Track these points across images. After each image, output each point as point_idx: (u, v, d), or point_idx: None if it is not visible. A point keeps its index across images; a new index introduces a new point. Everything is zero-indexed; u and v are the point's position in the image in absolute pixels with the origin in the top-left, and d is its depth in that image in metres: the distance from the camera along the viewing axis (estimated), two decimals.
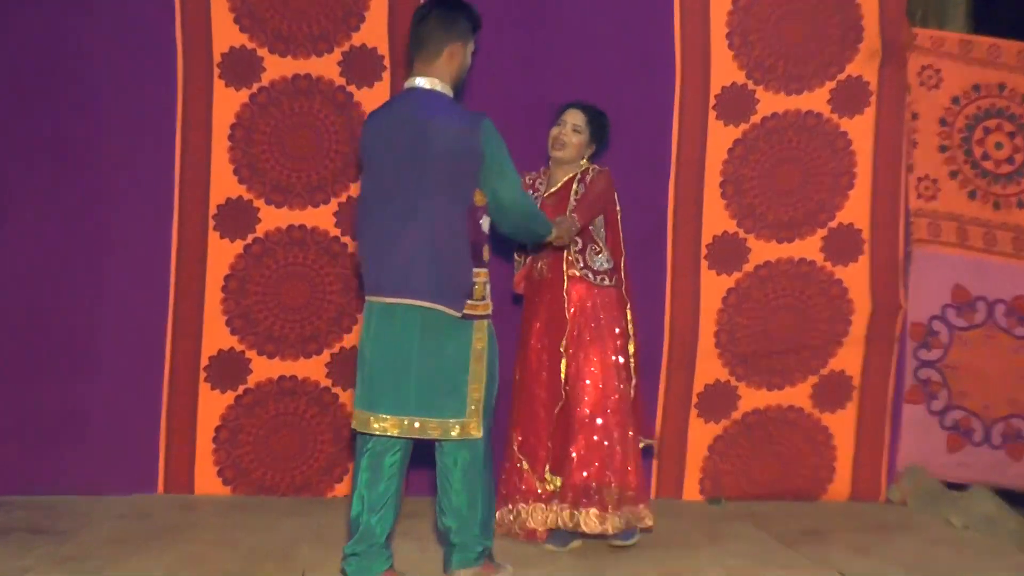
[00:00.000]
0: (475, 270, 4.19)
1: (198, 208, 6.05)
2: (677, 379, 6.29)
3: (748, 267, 6.24)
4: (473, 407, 4.18)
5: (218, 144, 6.08)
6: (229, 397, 6.07)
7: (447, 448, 4.33)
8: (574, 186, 5.31)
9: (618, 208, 5.40)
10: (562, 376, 5.13)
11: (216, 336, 6.07)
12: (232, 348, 6.06)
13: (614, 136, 5.73)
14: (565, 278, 5.23)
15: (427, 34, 4.21)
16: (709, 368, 6.32)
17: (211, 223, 6.09)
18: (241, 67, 6.06)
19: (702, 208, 6.25)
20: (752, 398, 6.30)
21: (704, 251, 6.26)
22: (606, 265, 5.29)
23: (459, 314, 4.11)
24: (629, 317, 5.33)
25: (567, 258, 5.23)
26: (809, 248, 6.25)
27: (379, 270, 4.18)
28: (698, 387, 6.32)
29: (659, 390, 6.29)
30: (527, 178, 5.41)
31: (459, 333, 4.15)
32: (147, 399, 6.02)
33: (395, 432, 4.19)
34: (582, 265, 5.24)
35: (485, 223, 4.27)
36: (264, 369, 6.09)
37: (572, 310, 5.18)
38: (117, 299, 5.95)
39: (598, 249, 5.28)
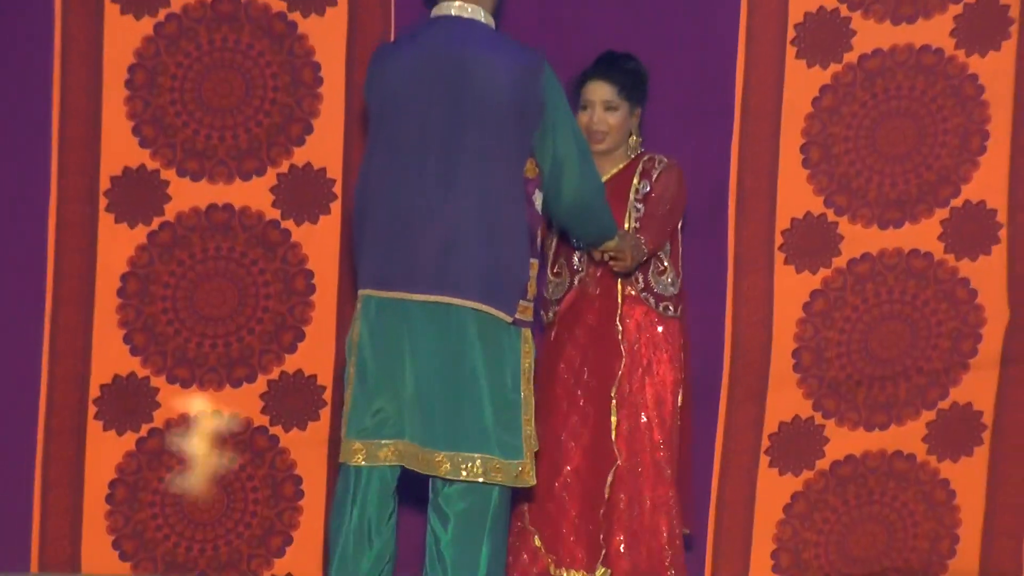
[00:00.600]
0: (533, 260, 3.88)
1: (84, 181, 5.24)
2: (742, 414, 5.50)
3: (840, 262, 5.45)
4: (527, 445, 3.84)
5: (111, 93, 5.24)
6: (128, 441, 5.28)
7: (448, 494, 3.85)
8: (635, 182, 4.77)
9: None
10: (612, 434, 4.65)
11: (110, 357, 5.28)
12: (132, 373, 5.27)
13: (655, 82, 5.13)
14: (620, 299, 4.74)
15: None
16: (786, 400, 5.48)
17: (102, 202, 5.26)
18: None
19: (777, 180, 5.43)
20: (845, 441, 5.50)
21: (779, 239, 5.44)
22: (672, 290, 4.82)
23: (511, 318, 3.79)
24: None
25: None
26: (925, 236, 5.43)
27: (398, 255, 3.77)
28: (770, 426, 5.50)
29: (717, 429, 5.55)
30: None
31: (509, 345, 3.82)
32: (14, 444, 5.29)
33: (396, 461, 3.87)
34: (642, 286, 4.75)
35: (538, 200, 3.91)
36: (176, 402, 5.30)
37: (629, 344, 4.72)
38: None
39: (662, 267, 4.78)
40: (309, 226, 5.21)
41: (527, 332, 3.96)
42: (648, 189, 4.82)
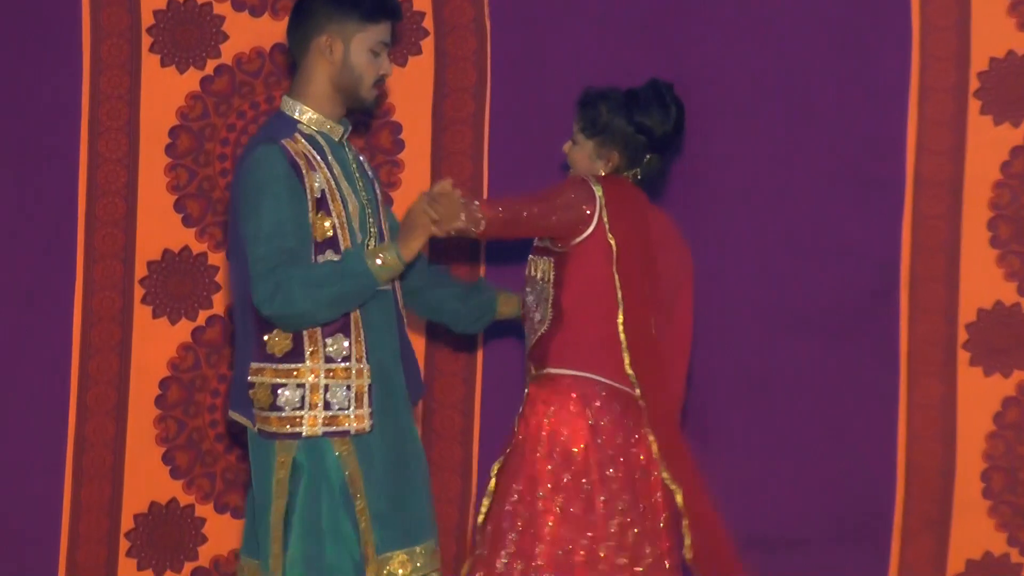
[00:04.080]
0: (255, 364, 3.73)
1: (116, 268, 5.07)
2: (918, 549, 5.19)
3: None
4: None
5: (149, 161, 5.05)
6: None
7: None
8: None
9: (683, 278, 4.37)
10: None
11: (148, 479, 5.06)
12: (174, 500, 5.06)
13: (801, 143, 4.95)
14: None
15: (293, 24, 3.87)
16: (973, 532, 5.16)
17: (137, 292, 5.07)
18: (187, 32, 5.08)
19: (958, 263, 5.11)
20: None
21: (963, 335, 5.10)
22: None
23: (254, 427, 3.76)
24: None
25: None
26: None
27: None
28: (955, 564, 5.18)
29: (889, 567, 5.20)
30: None
31: (260, 455, 3.79)
32: None
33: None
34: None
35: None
36: (224, 535, 5.04)
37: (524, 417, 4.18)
38: None
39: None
40: None
41: (286, 445, 3.81)
42: None
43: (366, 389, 3.78)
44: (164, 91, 5.03)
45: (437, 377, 5.08)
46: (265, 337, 3.75)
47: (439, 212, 3.80)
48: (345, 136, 3.83)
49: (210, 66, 5.01)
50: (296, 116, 3.77)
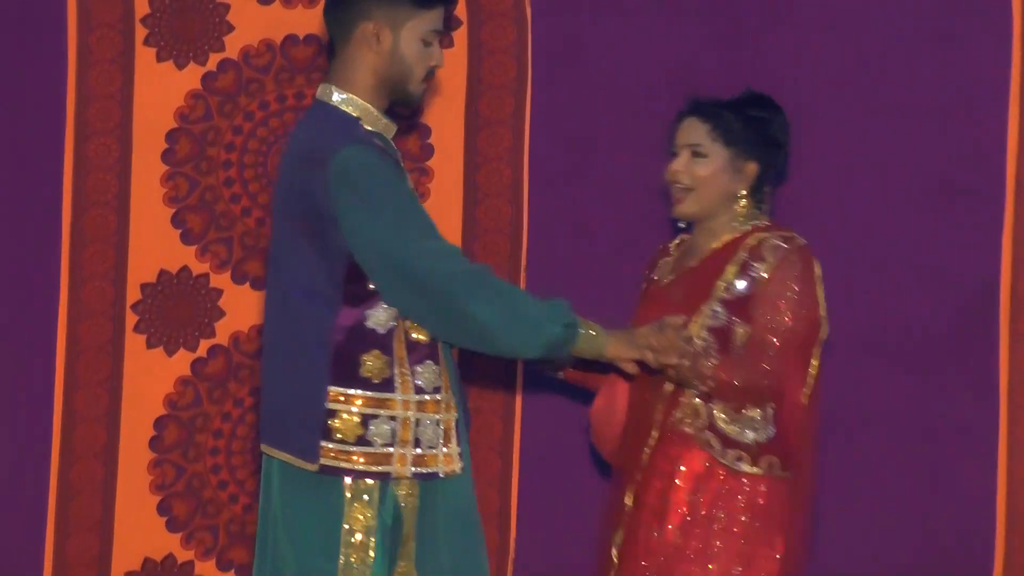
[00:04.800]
0: (339, 389, 3.56)
1: (105, 291, 4.93)
2: None
3: None
4: None
5: (144, 168, 4.91)
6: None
7: None
8: (727, 271, 4.03)
9: (823, 329, 4.06)
10: None
11: (139, 533, 4.90)
12: (170, 556, 4.93)
13: (887, 151, 4.85)
14: (656, 430, 4.01)
15: (335, 2, 3.73)
16: None
17: (130, 319, 4.93)
18: (187, 22, 4.96)
19: None
20: None
21: None
22: (753, 435, 3.99)
23: (314, 466, 3.56)
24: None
25: (667, 395, 4.00)
26: None
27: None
28: None
29: None
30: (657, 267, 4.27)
31: (320, 499, 3.61)
32: None
33: None
34: (703, 421, 4.00)
35: (382, 314, 3.62)
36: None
37: (673, 506, 3.98)
38: None
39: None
40: None
41: (366, 486, 3.67)
42: (746, 291, 4.04)
43: (454, 424, 3.69)
44: (161, 89, 4.90)
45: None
46: (363, 357, 3.60)
47: (659, 341, 3.76)
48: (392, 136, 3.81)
49: (213, 61, 4.90)
50: (351, 111, 3.70)
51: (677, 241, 4.26)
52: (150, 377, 4.93)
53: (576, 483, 5.03)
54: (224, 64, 4.90)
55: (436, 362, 3.72)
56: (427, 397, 3.69)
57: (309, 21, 4.98)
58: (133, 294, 4.91)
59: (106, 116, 4.88)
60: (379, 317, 3.69)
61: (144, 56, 4.88)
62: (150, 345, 4.91)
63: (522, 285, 4.95)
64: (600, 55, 4.87)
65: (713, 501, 4.11)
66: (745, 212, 4.11)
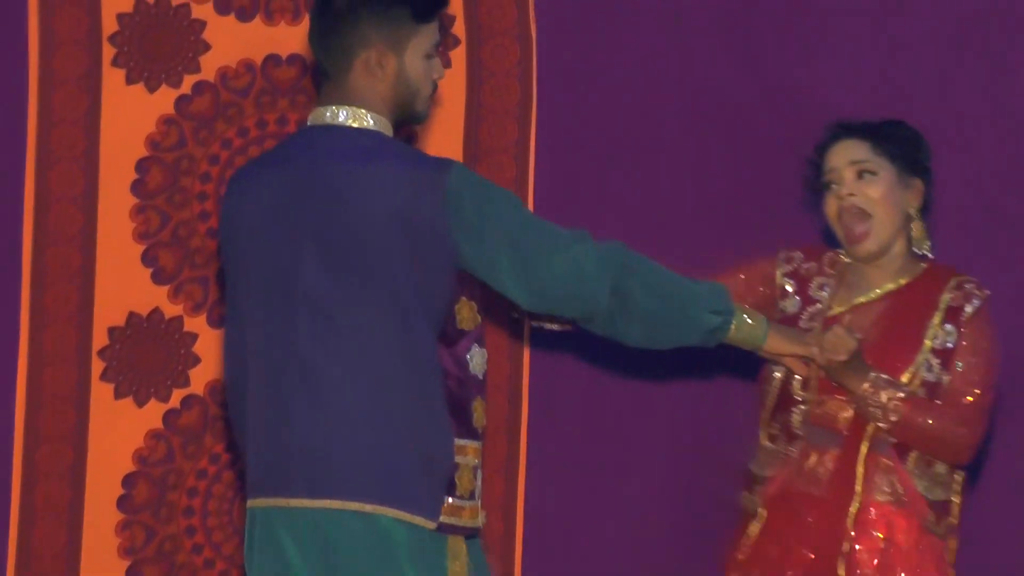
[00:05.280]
0: (458, 441, 3.52)
1: (69, 334, 4.72)
2: None
3: None
4: None
5: (112, 200, 4.69)
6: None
7: None
8: (934, 319, 3.97)
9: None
10: None
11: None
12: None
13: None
14: (859, 493, 3.94)
15: (327, 31, 3.60)
16: None
17: (96, 365, 4.69)
18: (159, 41, 4.76)
19: None
20: None
21: None
22: (944, 493, 4.02)
23: (433, 524, 3.43)
24: None
25: (865, 455, 3.93)
26: None
27: (270, 448, 3.56)
28: None
29: None
30: (782, 271, 4.14)
31: (419, 561, 3.51)
32: None
33: None
34: (895, 487, 3.98)
35: (478, 357, 3.59)
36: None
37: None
38: None
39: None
40: None
41: (458, 544, 3.58)
42: (952, 341, 4.01)
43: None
44: (131, 114, 4.71)
45: None
46: (473, 405, 3.56)
47: (823, 342, 3.78)
48: None
49: (187, 83, 4.72)
50: (383, 131, 3.63)
51: (830, 256, 4.14)
52: (118, 430, 4.72)
53: (584, 506, 4.93)
54: (199, 86, 4.72)
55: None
56: (479, 443, 3.67)
57: (292, 39, 4.78)
58: (100, 339, 4.70)
59: (71, 143, 4.69)
60: (478, 361, 3.59)
61: (112, 77, 4.68)
62: (118, 395, 4.70)
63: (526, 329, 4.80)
64: (614, 78, 4.76)
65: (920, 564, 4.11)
66: (920, 237, 4.03)
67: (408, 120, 3.66)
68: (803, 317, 4.14)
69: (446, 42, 4.73)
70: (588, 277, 3.64)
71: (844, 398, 4.01)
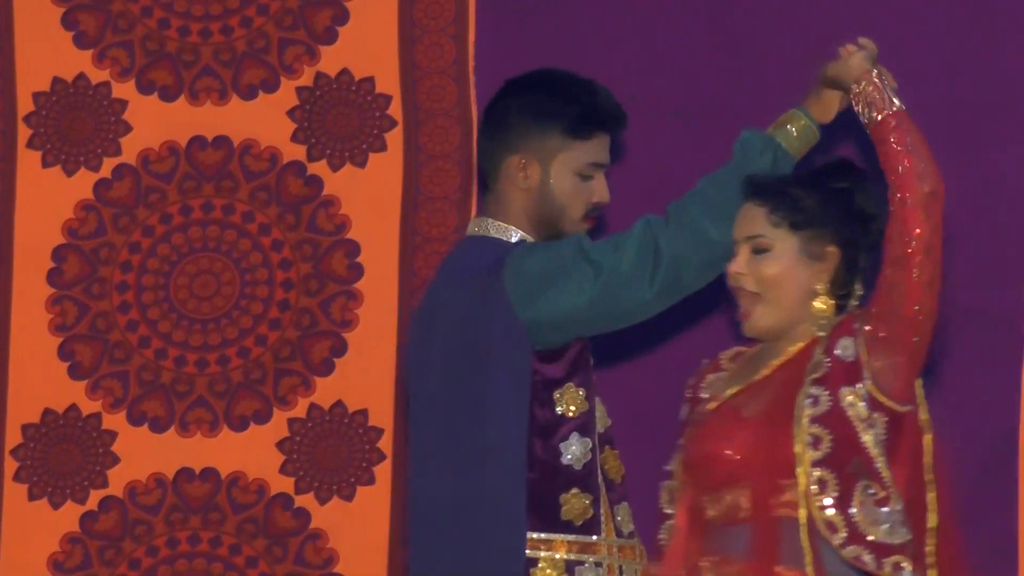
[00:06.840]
0: (535, 535, 3.44)
1: None
2: None
3: None
4: None
5: (27, 291, 4.61)
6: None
7: None
8: (816, 352, 3.57)
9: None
10: None
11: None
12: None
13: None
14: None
15: (482, 134, 3.65)
16: None
17: (8, 466, 4.56)
18: (78, 121, 4.65)
19: None
20: None
21: None
22: (893, 535, 3.47)
23: None
24: None
25: (809, 487, 3.46)
26: None
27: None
28: None
29: None
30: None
31: None
32: None
33: None
34: (845, 532, 3.46)
35: (576, 447, 3.50)
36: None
37: None
38: None
39: (879, 492, 3.48)
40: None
41: None
42: (850, 353, 3.62)
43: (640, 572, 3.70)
44: (47, 199, 4.60)
45: None
46: (561, 497, 3.45)
47: (836, 68, 3.50)
48: None
49: (107, 166, 4.58)
50: (513, 240, 3.59)
51: (731, 353, 3.77)
52: (32, 534, 4.57)
53: None
54: (120, 170, 4.56)
55: (627, 501, 3.68)
56: (626, 541, 3.53)
57: (219, 120, 4.67)
58: (13, 437, 4.56)
59: None
60: (575, 451, 3.49)
61: (27, 160, 4.56)
62: (32, 497, 4.55)
63: None
64: None
65: None
66: (827, 315, 3.66)
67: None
68: (692, 418, 3.81)
69: (380, 121, 4.60)
70: (630, 285, 3.45)
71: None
